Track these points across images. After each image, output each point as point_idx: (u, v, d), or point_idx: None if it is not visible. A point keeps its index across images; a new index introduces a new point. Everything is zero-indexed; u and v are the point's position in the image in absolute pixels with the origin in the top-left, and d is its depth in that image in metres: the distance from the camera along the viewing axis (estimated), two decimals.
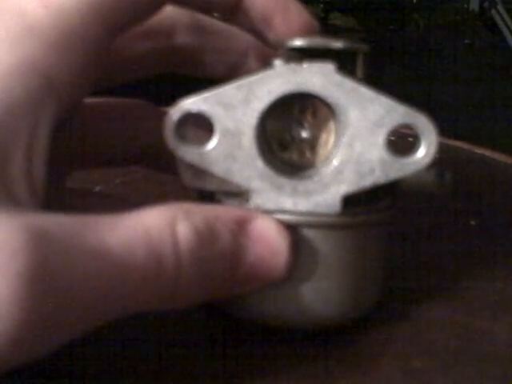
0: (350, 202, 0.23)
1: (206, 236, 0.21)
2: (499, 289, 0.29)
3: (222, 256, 0.21)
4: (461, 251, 0.32)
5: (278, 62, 0.23)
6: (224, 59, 0.28)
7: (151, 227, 0.20)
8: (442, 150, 0.24)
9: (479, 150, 0.41)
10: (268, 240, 0.22)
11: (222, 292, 0.23)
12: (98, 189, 0.33)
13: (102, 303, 0.20)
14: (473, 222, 0.35)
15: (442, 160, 0.25)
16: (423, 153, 0.23)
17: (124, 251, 0.19)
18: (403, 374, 0.23)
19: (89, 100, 0.27)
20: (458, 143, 0.42)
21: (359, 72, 0.24)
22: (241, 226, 0.22)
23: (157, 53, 0.27)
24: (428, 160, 0.23)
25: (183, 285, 0.21)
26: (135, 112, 0.28)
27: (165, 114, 0.23)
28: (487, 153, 0.41)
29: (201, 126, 0.23)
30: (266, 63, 0.24)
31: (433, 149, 0.22)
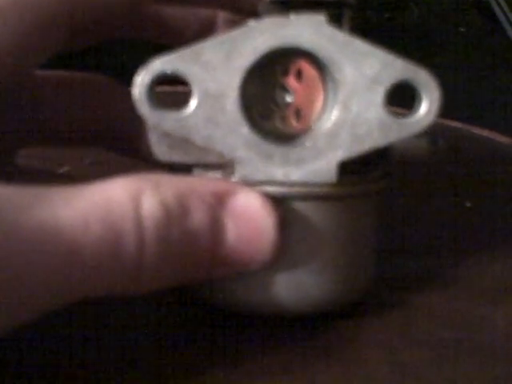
0: (346, 170, 0.21)
1: (176, 211, 0.19)
2: (498, 272, 0.27)
3: (195, 235, 0.19)
4: (456, 234, 0.30)
5: (262, 16, 0.20)
6: (190, 22, 0.25)
7: (111, 200, 0.18)
8: (438, 130, 0.22)
9: (477, 131, 0.40)
10: (251, 216, 0.20)
11: (197, 276, 0.20)
12: (63, 170, 0.30)
13: (50, 284, 0.17)
14: (468, 204, 0.33)
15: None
16: (425, 110, 0.21)
17: (77, 226, 0.17)
18: (390, 367, 0.21)
19: (42, 71, 0.24)
20: (456, 123, 0.41)
21: (345, 28, 0.22)
22: (219, 201, 0.20)
23: (118, 16, 0.24)
24: (430, 118, 0.21)
25: (147, 267, 0.19)
26: (95, 87, 0.26)
27: (128, 91, 0.20)
28: (485, 133, 0.40)
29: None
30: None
31: (435, 106, 0.20)
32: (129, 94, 0.21)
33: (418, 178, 0.30)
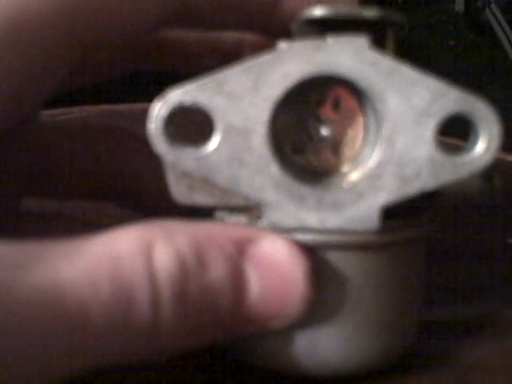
0: (389, 215, 0.18)
1: (192, 263, 0.17)
2: None
3: (215, 290, 0.17)
4: (500, 274, 0.27)
5: (294, 38, 0.18)
6: (215, 50, 0.23)
7: (120, 254, 0.16)
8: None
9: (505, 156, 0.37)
10: (277, 266, 0.18)
11: (217, 336, 0.18)
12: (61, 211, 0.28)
13: (53, 354, 0.15)
14: (511, 240, 0.30)
15: None
16: (483, 148, 0.18)
17: (83, 286, 0.16)
18: None
19: (54, 118, 0.22)
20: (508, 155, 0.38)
21: (390, 52, 0.19)
22: (241, 250, 0.18)
23: (136, 46, 0.23)
24: (489, 157, 0.18)
25: (164, 329, 0.17)
26: (110, 137, 0.24)
27: (145, 143, 0.18)
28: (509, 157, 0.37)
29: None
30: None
31: (495, 143, 0.18)
32: (144, 147, 0.19)
33: (464, 214, 0.27)
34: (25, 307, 0.15)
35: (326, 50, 0.18)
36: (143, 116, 0.18)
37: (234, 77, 0.18)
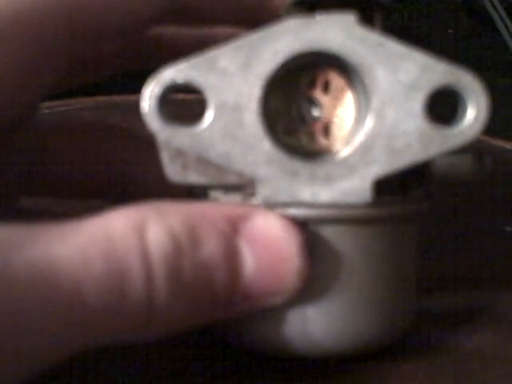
0: (381, 189, 0.19)
1: (186, 241, 0.17)
2: None
3: (209, 267, 0.17)
4: (498, 263, 0.27)
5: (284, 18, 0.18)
6: (207, 46, 0.23)
7: (113, 233, 0.16)
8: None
9: (497, 142, 0.37)
10: (271, 241, 0.18)
11: (214, 315, 0.18)
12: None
13: (48, 332, 0.15)
14: (508, 228, 0.30)
15: None
16: (471, 119, 0.18)
17: (77, 265, 0.15)
18: None
19: (51, 119, 0.22)
20: (499, 141, 0.38)
21: (377, 29, 0.19)
22: (235, 227, 0.18)
23: (127, 47, 0.23)
24: (478, 129, 0.18)
25: (158, 306, 0.17)
26: (106, 136, 0.24)
27: (143, 142, 0.19)
28: (507, 145, 0.37)
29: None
30: None
31: (483, 114, 0.18)
32: (142, 147, 0.19)
33: (457, 198, 0.27)
34: (19, 285, 0.15)
35: (315, 26, 0.18)
36: (138, 107, 0.18)
37: (226, 54, 0.18)
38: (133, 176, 0.24)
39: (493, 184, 0.23)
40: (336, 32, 0.18)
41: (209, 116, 0.18)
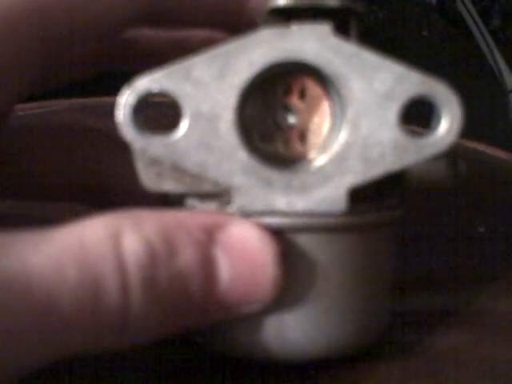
0: (356, 198, 0.19)
1: (161, 249, 0.17)
2: None
3: (185, 276, 0.17)
4: (472, 263, 0.28)
5: (260, 27, 0.18)
6: (184, 48, 0.23)
7: (87, 241, 0.16)
8: (458, 151, 0.20)
9: (471, 144, 0.38)
10: (247, 250, 0.18)
11: (188, 324, 0.18)
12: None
13: (21, 342, 0.15)
14: (482, 229, 0.30)
15: None
16: (445, 129, 0.18)
17: (50, 273, 0.15)
18: None
19: (24, 121, 0.22)
20: (474, 144, 0.38)
21: (353, 39, 0.19)
22: (210, 235, 0.18)
23: (103, 49, 0.23)
24: (451, 138, 0.18)
25: (133, 315, 0.17)
26: (84, 139, 0.24)
27: (118, 144, 0.19)
28: (480, 147, 0.37)
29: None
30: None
31: (456, 124, 0.18)
32: (118, 149, 0.19)
33: (431, 200, 0.28)
34: None
35: (290, 37, 0.18)
36: (113, 109, 0.18)
37: (201, 64, 0.18)
38: (108, 178, 0.24)
39: (466, 186, 0.23)
40: (311, 43, 0.18)
41: (184, 125, 0.18)
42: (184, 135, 0.18)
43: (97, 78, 0.24)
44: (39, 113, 0.24)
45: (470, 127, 0.20)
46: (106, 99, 0.31)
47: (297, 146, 0.19)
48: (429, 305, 0.24)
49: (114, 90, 0.19)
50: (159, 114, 0.18)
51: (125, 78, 0.18)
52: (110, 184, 0.24)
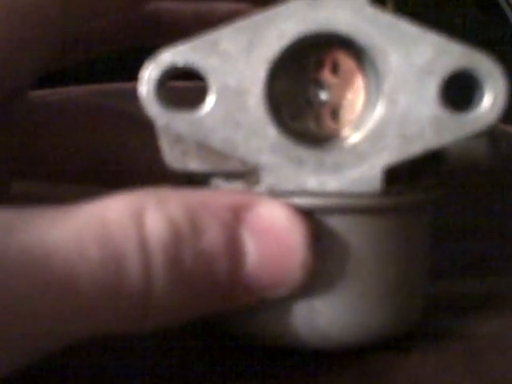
0: (391, 178, 0.18)
1: (186, 229, 0.16)
2: None
3: (210, 258, 0.17)
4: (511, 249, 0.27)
5: None
6: (208, 22, 0.22)
7: (109, 219, 0.16)
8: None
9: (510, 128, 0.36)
10: (276, 232, 0.17)
11: (214, 307, 0.18)
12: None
13: (39, 321, 0.15)
14: None
15: None
16: (488, 104, 0.17)
17: (71, 250, 0.15)
18: None
19: (40, 98, 0.22)
20: None
21: (390, 9, 0.18)
22: (237, 216, 0.17)
23: (123, 23, 0.23)
24: (495, 114, 0.17)
25: (156, 297, 0.16)
26: (101, 116, 0.24)
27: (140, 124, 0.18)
28: None
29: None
30: None
31: (500, 99, 0.17)
32: (140, 129, 0.18)
33: (472, 184, 0.27)
34: (12, 269, 0.14)
35: (322, 7, 0.17)
36: (134, 95, 0.17)
37: (228, 36, 0.17)
38: (130, 160, 0.23)
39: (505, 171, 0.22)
40: (345, 13, 0.17)
41: (210, 100, 0.17)
42: (210, 111, 0.17)
43: (114, 64, 0.24)
44: (56, 98, 0.23)
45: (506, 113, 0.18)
46: (126, 85, 0.30)
47: (329, 123, 0.18)
48: (466, 291, 0.24)
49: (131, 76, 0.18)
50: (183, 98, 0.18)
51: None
52: (132, 165, 0.23)
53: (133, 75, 0.18)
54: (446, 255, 0.24)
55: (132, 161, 0.23)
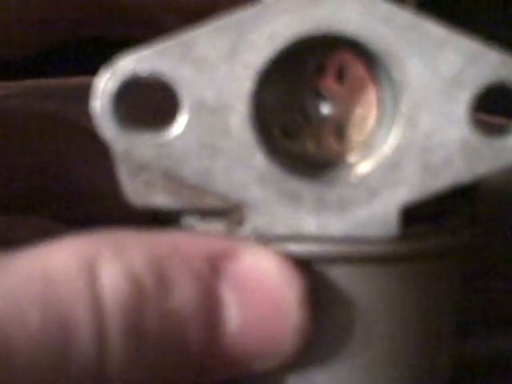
0: (411, 218, 0.16)
1: (150, 285, 0.15)
2: None
3: (181, 320, 0.15)
4: None
5: None
6: (181, 9, 0.21)
7: (54, 273, 0.14)
8: None
9: None
10: (265, 289, 0.15)
11: (185, 380, 0.16)
12: None
13: None
14: None
15: None
16: None
17: (7, 314, 0.14)
18: None
19: None
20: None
21: (409, 6, 0.16)
22: (216, 267, 0.15)
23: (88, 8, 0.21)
24: None
25: (112, 371, 0.14)
26: (38, 126, 0.22)
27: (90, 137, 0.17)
28: None
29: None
30: None
31: None
32: (95, 144, 0.17)
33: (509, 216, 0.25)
34: None
35: (325, 2, 0.15)
36: (79, 94, 0.16)
37: (206, 39, 0.15)
38: (80, 183, 0.22)
39: None
40: (354, 9, 0.15)
41: (182, 120, 0.15)
42: (182, 133, 0.15)
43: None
44: None
45: None
46: (69, 80, 0.28)
47: (332, 145, 0.16)
48: (501, 348, 0.22)
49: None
50: (147, 99, 0.15)
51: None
52: (83, 191, 0.22)
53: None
54: (479, 306, 0.22)
55: (86, 184, 0.22)
